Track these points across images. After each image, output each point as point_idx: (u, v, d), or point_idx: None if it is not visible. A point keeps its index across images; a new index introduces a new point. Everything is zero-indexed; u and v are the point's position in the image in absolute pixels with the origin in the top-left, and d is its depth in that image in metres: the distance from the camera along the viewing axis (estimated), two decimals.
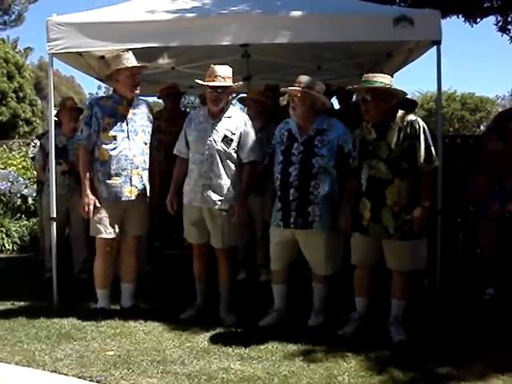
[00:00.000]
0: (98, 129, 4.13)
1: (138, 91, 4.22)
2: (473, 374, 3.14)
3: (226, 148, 4.03)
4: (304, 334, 3.74)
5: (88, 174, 4.12)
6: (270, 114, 5.22)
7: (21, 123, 20.72)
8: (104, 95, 4.38)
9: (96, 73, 5.86)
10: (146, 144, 4.26)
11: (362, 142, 3.78)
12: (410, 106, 5.58)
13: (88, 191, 4.09)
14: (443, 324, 3.99)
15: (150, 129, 4.30)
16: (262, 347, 3.57)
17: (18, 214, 7.33)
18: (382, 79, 3.67)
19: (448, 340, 3.67)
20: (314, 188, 3.86)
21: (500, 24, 7.86)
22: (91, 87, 75.09)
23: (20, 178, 7.56)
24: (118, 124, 4.15)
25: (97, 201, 4.10)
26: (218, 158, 4.02)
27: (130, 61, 4.14)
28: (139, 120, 4.23)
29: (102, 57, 5.37)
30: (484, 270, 4.80)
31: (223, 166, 4.03)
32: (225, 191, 4.03)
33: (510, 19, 7.74)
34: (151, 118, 4.35)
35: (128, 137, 4.16)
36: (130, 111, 4.20)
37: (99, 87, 34.06)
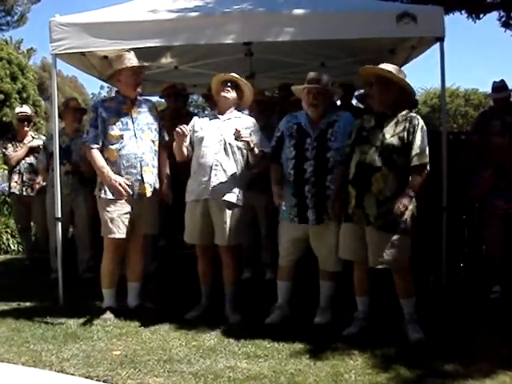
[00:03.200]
0: (105, 129, 4.14)
1: (139, 90, 4.25)
2: (480, 371, 3.12)
3: (237, 142, 4.03)
4: (310, 332, 3.74)
5: (104, 163, 4.05)
6: (273, 112, 5.24)
7: None
8: (107, 97, 4.36)
9: (99, 73, 5.85)
10: (153, 142, 4.26)
11: (359, 129, 3.78)
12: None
13: (110, 174, 4.03)
14: (449, 321, 3.97)
15: (156, 126, 4.31)
16: (268, 345, 3.57)
17: None
18: (391, 69, 3.68)
19: (454, 337, 3.65)
20: (331, 182, 3.85)
21: (503, 19, 7.85)
22: (94, 87, 74.89)
23: None
24: (124, 123, 4.16)
25: (122, 179, 4.04)
26: (230, 152, 4.04)
27: (132, 60, 4.16)
28: (144, 118, 4.24)
29: (105, 57, 5.37)
30: (489, 267, 4.79)
31: (234, 160, 4.06)
32: (234, 185, 4.04)
33: None
34: (156, 115, 4.36)
35: (135, 135, 4.16)
36: (135, 110, 4.22)
37: (102, 87, 34.18)
